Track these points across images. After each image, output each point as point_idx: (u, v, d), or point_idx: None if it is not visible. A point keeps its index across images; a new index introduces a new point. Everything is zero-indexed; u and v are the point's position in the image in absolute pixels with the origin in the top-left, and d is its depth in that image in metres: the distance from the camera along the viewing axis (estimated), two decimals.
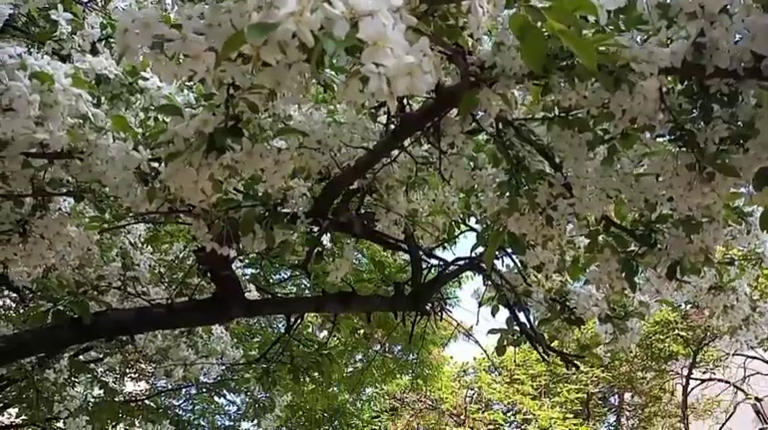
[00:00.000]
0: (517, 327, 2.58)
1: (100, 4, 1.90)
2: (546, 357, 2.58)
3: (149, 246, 3.71)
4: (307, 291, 5.41)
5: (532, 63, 1.06)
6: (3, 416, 5.86)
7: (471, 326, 5.50)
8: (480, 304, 2.61)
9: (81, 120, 1.62)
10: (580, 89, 1.46)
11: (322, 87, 1.39)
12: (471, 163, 1.89)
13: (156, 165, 1.70)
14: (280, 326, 6.55)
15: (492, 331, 2.62)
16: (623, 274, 1.82)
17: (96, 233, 2.18)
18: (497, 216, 2.01)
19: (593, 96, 1.47)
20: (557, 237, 1.86)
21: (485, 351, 4.47)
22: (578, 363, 2.71)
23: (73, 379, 3.35)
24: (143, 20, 0.95)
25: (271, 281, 5.38)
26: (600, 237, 1.86)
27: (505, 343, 2.64)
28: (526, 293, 2.46)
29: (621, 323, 2.32)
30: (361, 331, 6.32)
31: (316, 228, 2.07)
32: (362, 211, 2.07)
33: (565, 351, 2.69)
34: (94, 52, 1.95)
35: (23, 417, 5.98)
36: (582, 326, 2.49)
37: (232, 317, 2.49)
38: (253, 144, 1.29)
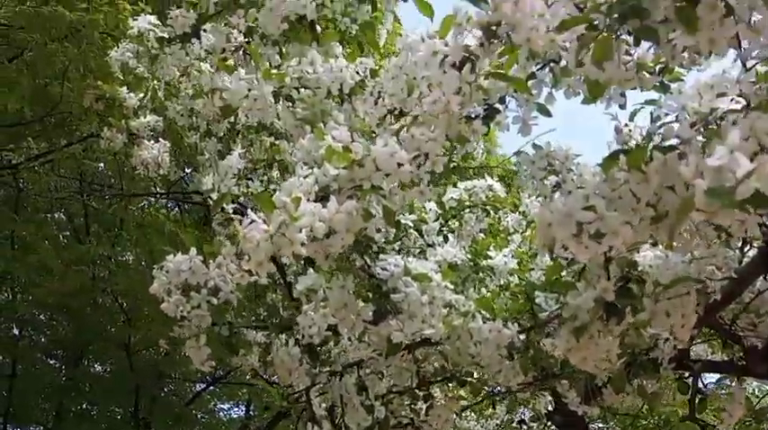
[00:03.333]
0: None
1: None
2: None
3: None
4: None
5: None
6: None
7: None
8: None
9: (447, 309, 1.74)
10: None
11: None
12: None
13: (522, 337, 1.74)
14: None
15: None
16: None
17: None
18: None
19: None
20: None
21: None
22: None
23: None
24: (564, 210, 1.00)
25: None
26: None
27: None
28: None
29: None
30: None
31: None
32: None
33: None
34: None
35: None
36: None
37: None
38: (655, 301, 1.26)
